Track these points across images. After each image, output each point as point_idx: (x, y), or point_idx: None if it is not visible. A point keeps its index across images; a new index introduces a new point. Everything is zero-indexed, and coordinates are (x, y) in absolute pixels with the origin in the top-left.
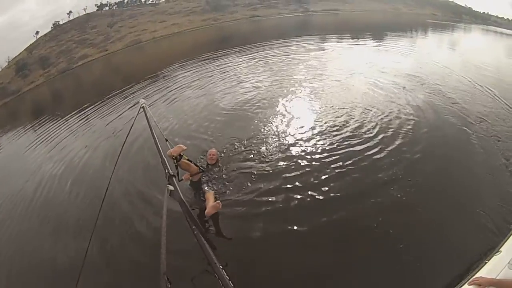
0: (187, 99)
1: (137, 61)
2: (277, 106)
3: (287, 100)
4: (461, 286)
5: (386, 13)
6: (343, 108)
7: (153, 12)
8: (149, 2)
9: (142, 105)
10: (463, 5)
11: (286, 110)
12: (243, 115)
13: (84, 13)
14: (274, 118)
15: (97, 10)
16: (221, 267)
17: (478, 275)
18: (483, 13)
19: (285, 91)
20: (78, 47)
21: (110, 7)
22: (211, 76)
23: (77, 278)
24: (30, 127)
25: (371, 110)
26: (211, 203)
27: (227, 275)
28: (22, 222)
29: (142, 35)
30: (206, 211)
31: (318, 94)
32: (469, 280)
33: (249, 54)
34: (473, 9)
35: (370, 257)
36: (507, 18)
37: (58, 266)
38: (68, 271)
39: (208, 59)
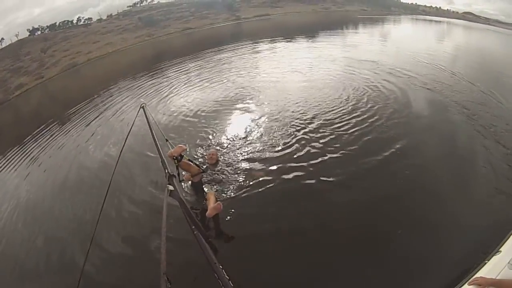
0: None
1: (74, 85)
2: (260, 105)
3: (262, 97)
4: (461, 286)
5: (317, 13)
6: (324, 96)
7: (85, 33)
8: (81, 23)
9: (142, 105)
10: None
11: (265, 106)
12: (227, 116)
13: (17, 39)
14: (264, 115)
15: (29, 35)
16: (221, 267)
17: (478, 275)
18: (411, 4)
19: (252, 92)
20: (13, 76)
21: (42, 31)
22: (152, 92)
23: (79, 278)
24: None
25: (344, 91)
26: (212, 204)
27: (227, 275)
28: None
29: (77, 58)
30: (207, 212)
31: (290, 85)
32: (469, 280)
33: (193, 63)
34: (401, 1)
35: (370, 257)
36: (435, 7)
37: (60, 264)
38: (69, 271)
39: (144, 76)
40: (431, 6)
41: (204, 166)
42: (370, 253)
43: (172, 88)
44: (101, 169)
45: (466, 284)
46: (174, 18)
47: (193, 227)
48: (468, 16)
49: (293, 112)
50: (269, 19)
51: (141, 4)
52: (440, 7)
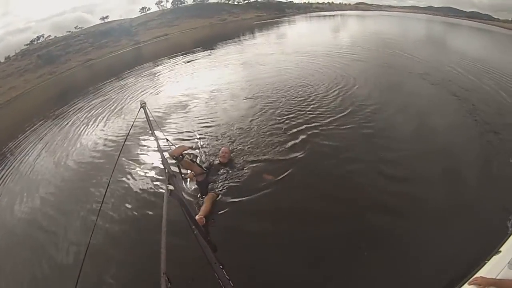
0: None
1: None
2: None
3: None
4: (461, 286)
5: (214, 25)
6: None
7: None
8: None
9: (143, 105)
10: (284, 0)
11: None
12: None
13: None
14: (259, 107)
15: None
16: (221, 267)
17: (478, 275)
18: (304, 2)
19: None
20: None
21: None
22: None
23: (77, 277)
24: None
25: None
26: (200, 214)
27: (227, 275)
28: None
29: None
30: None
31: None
32: (469, 280)
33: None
34: (294, 1)
35: (370, 257)
36: (328, 2)
37: (57, 263)
38: (68, 270)
39: (46, 122)
40: (324, 2)
41: (217, 163)
42: (370, 254)
43: (83, 127)
44: (100, 170)
45: (466, 284)
46: (73, 51)
47: (193, 227)
48: (361, 6)
49: (283, 100)
50: (168, 39)
51: (38, 41)
52: (332, 2)
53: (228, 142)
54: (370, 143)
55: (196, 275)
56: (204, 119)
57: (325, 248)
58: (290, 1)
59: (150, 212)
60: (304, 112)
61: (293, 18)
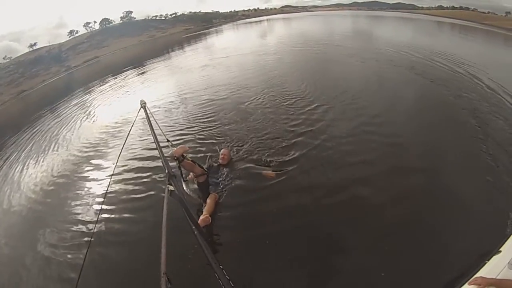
0: None
1: None
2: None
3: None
4: (461, 286)
5: (144, 43)
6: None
7: None
8: None
9: (143, 105)
10: (210, 11)
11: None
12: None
13: None
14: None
15: None
16: (222, 267)
17: (478, 275)
18: (230, 11)
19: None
20: None
21: None
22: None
23: (77, 278)
24: None
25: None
26: (205, 212)
27: (227, 275)
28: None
29: None
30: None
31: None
32: (469, 280)
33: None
34: (220, 11)
35: (370, 257)
36: (254, 9)
37: (56, 264)
38: (67, 271)
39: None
40: (249, 9)
41: (216, 164)
42: (369, 254)
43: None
44: (100, 170)
45: (466, 284)
46: (4, 83)
47: (194, 227)
48: (286, 9)
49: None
50: (98, 61)
51: None
52: (258, 8)
53: (228, 143)
54: (370, 136)
55: (196, 275)
56: (202, 120)
57: (327, 248)
58: (216, 11)
59: (150, 213)
60: (297, 110)
61: (220, 27)
